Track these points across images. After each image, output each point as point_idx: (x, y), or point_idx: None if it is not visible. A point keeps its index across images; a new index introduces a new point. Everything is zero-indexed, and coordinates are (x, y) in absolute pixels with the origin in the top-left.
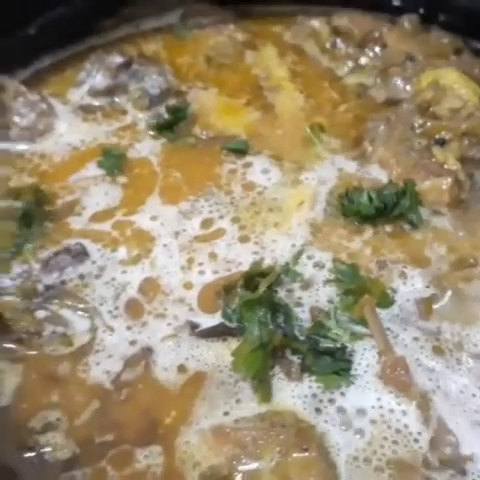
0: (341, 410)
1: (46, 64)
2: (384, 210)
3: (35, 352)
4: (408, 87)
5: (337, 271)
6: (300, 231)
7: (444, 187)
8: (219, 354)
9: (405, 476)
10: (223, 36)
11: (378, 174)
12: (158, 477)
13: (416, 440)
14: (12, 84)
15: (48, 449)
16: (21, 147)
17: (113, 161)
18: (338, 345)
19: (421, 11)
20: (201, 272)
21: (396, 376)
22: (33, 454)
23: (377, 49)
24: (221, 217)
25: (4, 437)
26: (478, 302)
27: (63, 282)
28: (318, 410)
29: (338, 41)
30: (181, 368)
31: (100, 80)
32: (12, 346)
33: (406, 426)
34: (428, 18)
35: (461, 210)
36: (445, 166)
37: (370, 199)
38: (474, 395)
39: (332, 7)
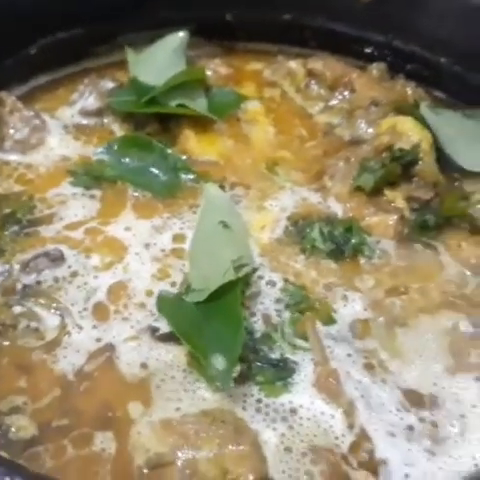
0: (276, 410)
1: (41, 82)
2: (337, 250)
3: (8, 343)
4: (370, 130)
5: (287, 291)
6: (257, 251)
7: (390, 223)
8: (175, 356)
9: (323, 455)
10: (208, 69)
11: (334, 207)
12: (111, 458)
13: (336, 438)
14: (10, 99)
15: (13, 429)
16: (12, 158)
17: (84, 179)
18: (280, 357)
19: (389, 59)
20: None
21: (328, 384)
22: None
23: (346, 92)
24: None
25: None
26: (402, 327)
27: (39, 282)
28: (257, 410)
29: (312, 82)
30: (140, 366)
31: (92, 102)
32: None
33: (331, 427)
34: (395, 67)
35: (403, 243)
36: (393, 204)
37: (321, 234)
38: (390, 411)
39: (308, 49)
